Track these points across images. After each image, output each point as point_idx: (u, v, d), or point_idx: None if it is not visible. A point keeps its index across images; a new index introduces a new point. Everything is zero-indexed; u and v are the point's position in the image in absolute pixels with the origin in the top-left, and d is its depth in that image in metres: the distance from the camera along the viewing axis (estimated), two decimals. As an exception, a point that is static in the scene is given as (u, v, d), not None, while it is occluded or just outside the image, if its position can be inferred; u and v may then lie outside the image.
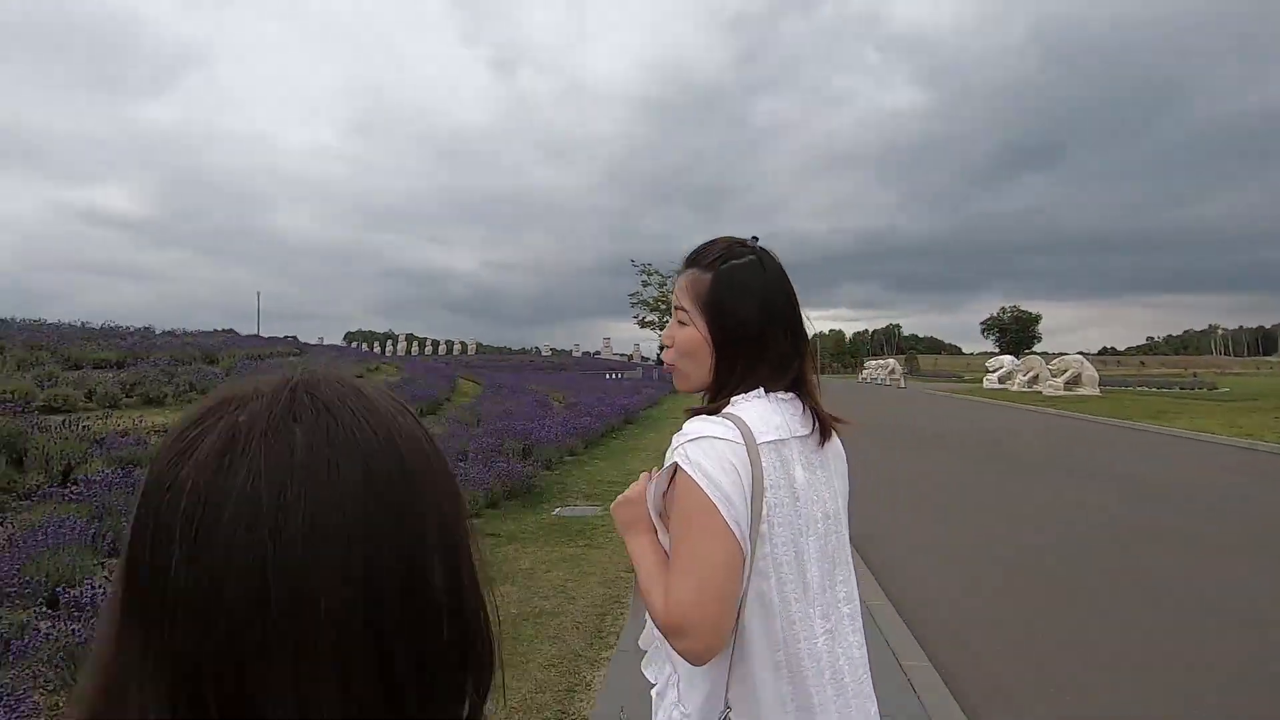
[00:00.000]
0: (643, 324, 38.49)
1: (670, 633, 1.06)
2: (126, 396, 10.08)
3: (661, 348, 1.30)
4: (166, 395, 10.51)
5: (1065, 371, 31.76)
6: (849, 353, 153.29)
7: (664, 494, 1.15)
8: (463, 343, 72.35)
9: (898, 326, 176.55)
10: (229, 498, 0.37)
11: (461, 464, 8.54)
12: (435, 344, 72.35)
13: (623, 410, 17.09)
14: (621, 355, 65.66)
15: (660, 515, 1.18)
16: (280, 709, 0.36)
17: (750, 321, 1.19)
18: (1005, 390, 36.43)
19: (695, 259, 1.23)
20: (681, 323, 1.20)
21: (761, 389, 1.21)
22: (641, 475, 1.29)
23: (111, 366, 11.49)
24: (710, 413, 1.17)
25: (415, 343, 70.25)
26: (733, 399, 1.19)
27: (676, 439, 1.13)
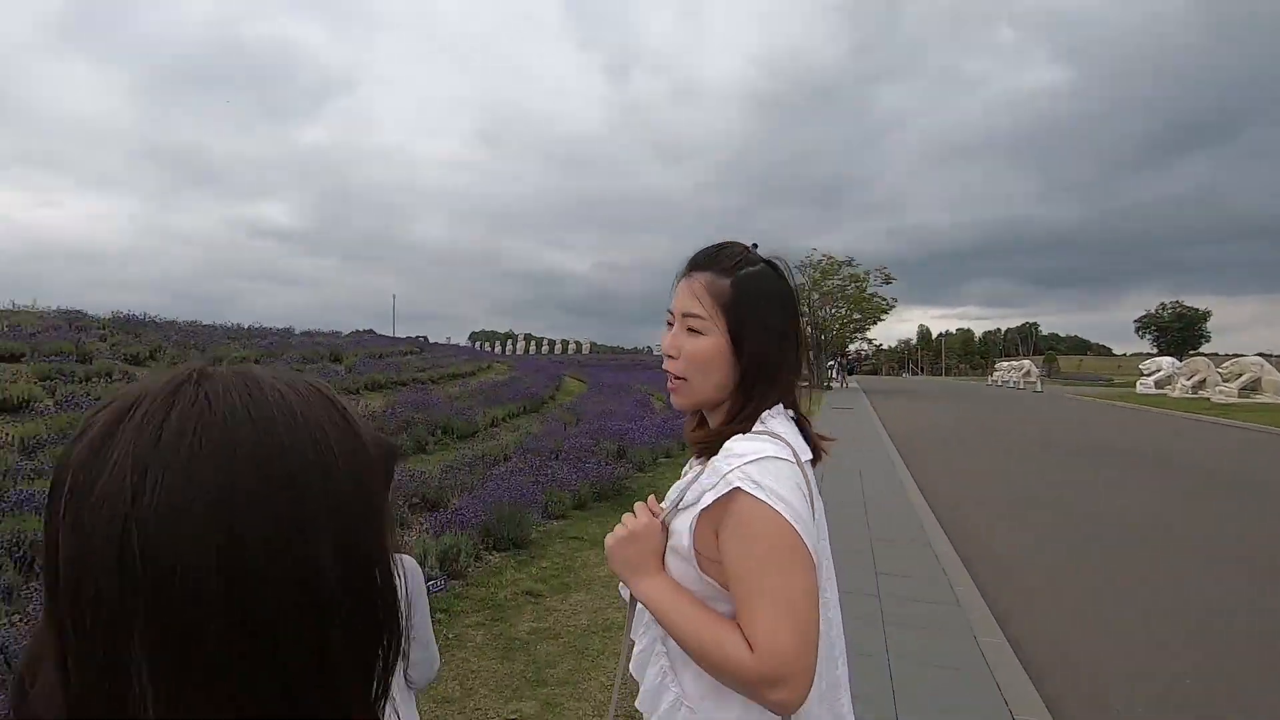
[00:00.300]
0: (752, 323, 37.74)
1: (763, 684, 0.94)
2: (258, 392, 10.90)
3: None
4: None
5: (1240, 375, 27.85)
6: (979, 353, 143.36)
7: (694, 528, 1.04)
8: (577, 342, 74.23)
9: (1035, 325, 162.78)
10: (101, 474, 0.39)
11: (552, 463, 8.55)
12: (551, 343, 74.69)
13: (725, 412, 16.63)
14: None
15: (690, 551, 1.05)
16: (148, 677, 0.38)
17: (775, 331, 1.12)
18: (1163, 396, 32.54)
19: (709, 262, 1.12)
20: (694, 330, 1.09)
21: (781, 405, 1.14)
22: (639, 506, 1.18)
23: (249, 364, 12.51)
24: (739, 431, 1.09)
25: (533, 342, 72.90)
26: (761, 416, 1.11)
27: (726, 461, 1.03)
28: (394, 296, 78.23)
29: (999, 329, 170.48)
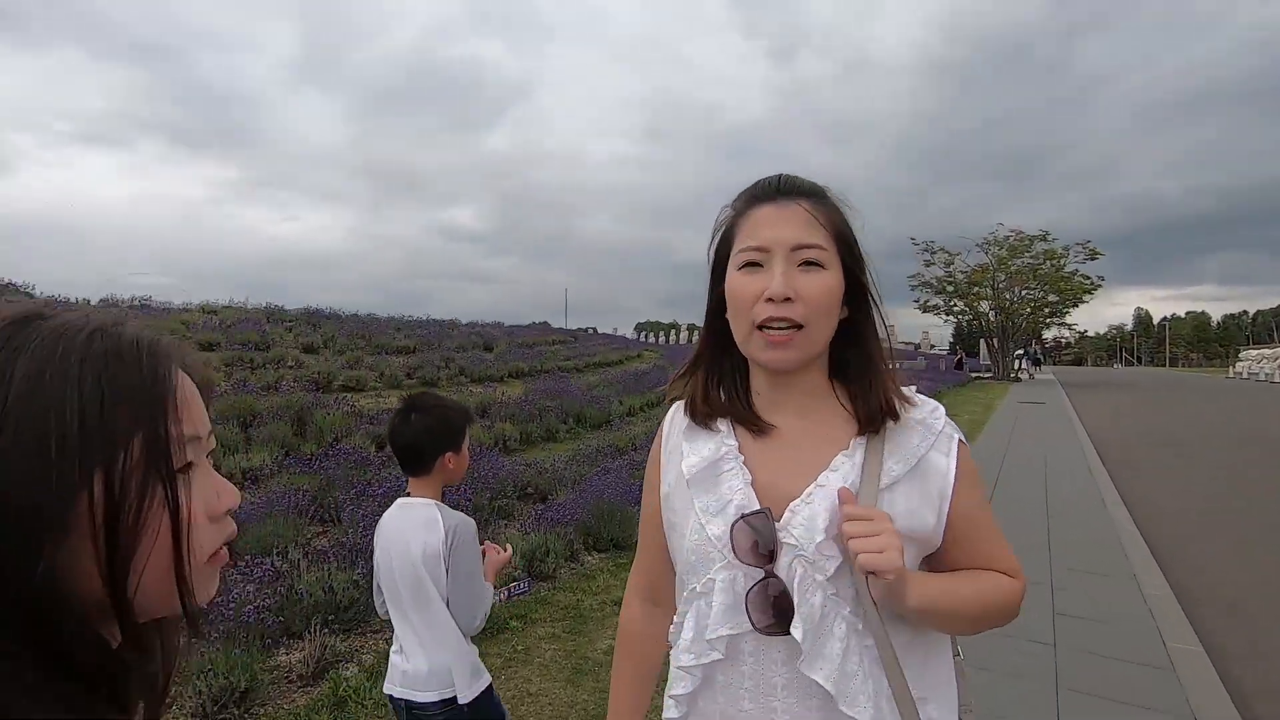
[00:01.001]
0: (924, 308, 34.36)
1: (1022, 600, 0.96)
2: (408, 379, 11.47)
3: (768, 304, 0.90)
4: (440, 378, 11.78)
5: None
6: (1216, 340, 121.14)
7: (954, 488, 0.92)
8: (741, 332, 72.91)
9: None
10: None
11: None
12: (713, 333, 73.92)
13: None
14: (908, 344, 60.64)
15: (941, 520, 0.91)
16: None
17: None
18: None
19: (800, 188, 0.91)
20: (813, 263, 0.87)
21: None
22: (839, 490, 0.88)
23: (408, 353, 13.26)
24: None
25: (696, 331, 72.52)
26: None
27: (934, 415, 0.94)
28: (566, 290, 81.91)
29: (1244, 312, 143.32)
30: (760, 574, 0.86)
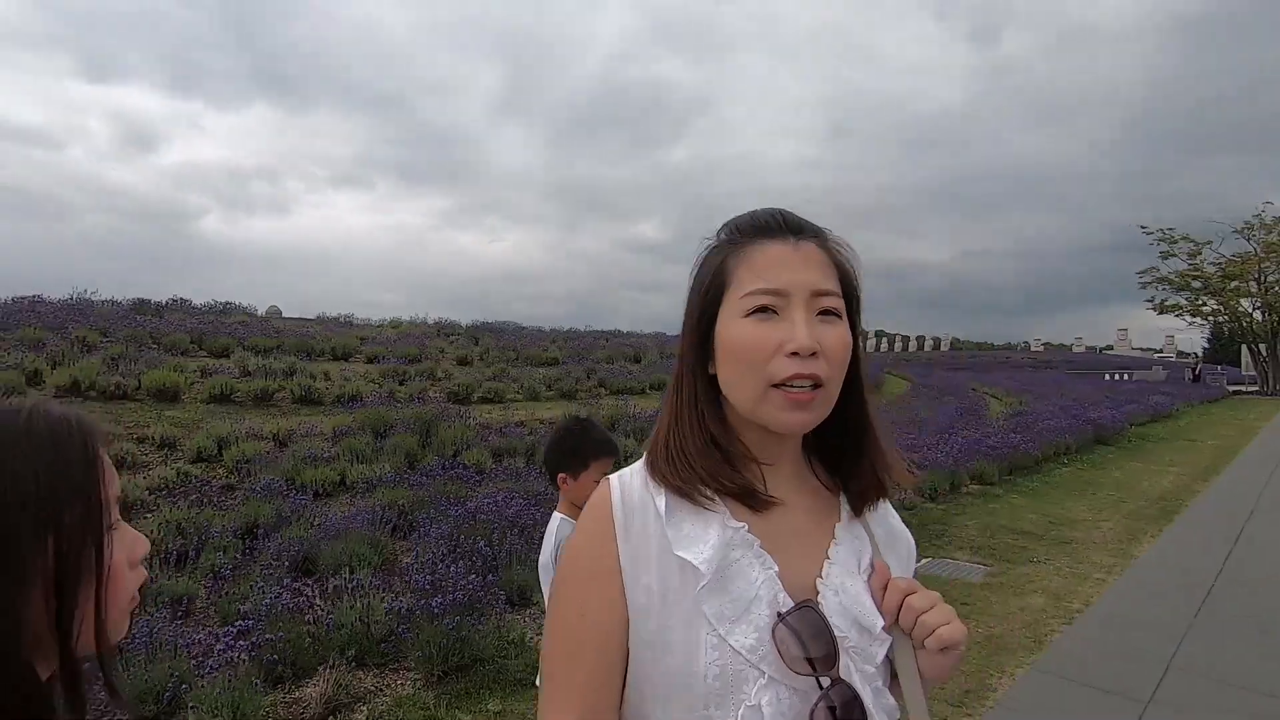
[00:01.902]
0: (1162, 309, 28.79)
1: None
2: (547, 390, 11.68)
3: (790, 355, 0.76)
4: (578, 390, 11.87)
5: None
6: None
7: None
8: (935, 338, 67.66)
9: None
10: None
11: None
12: (905, 340, 69.43)
13: (1091, 425, 12.68)
14: (1147, 350, 52.00)
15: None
16: None
17: None
18: None
19: (806, 227, 0.78)
20: (831, 313, 0.76)
21: None
22: (876, 563, 0.80)
23: (553, 364, 13.58)
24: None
25: (884, 339, 68.63)
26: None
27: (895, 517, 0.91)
28: None
29: None
30: (810, 684, 0.72)
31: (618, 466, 1.64)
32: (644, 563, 0.73)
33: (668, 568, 0.72)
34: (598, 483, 1.74)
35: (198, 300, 14.23)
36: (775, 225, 0.76)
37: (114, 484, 0.63)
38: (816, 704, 0.70)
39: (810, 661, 0.71)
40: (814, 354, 0.72)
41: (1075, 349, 58.00)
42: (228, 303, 14.82)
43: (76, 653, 0.56)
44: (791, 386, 0.72)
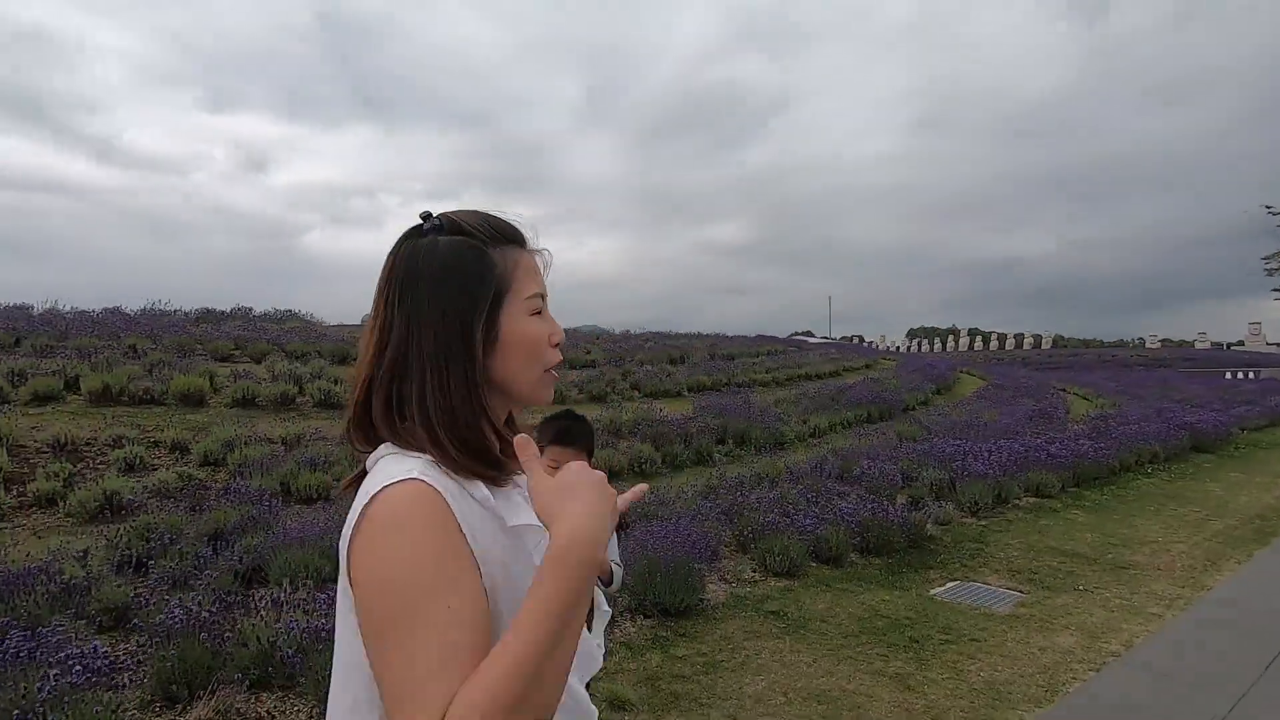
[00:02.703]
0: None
1: None
2: (578, 393, 11.41)
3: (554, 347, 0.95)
4: (609, 392, 11.55)
5: None
6: None
7: None
8: (1035, 336, 63.32)
9: None
10: None
11: (835, 492, 6.49)
12: (1002, 338, 65.41)
13: (1187, 429, 11.15)
14: (1275, 345, 46.65)
15: None
16: None
17: None
18: None
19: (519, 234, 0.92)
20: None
21: None
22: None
23: (589, 366, 13.32)
24: None
25: (979, 337, 64.87)
26: None
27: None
28: (829, 299, 79.07)
29: None
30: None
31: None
32: (490, 546, 0.76)
33: (506, 541, 0.78)
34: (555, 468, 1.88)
35: (260, 309, 14.94)
36: (520, 236, 0.88)
37: None
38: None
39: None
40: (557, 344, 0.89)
41: (1198, 345, 52.68)
42: (287, 310, 15.43)
43: None
44: (553, 369, 0.88)
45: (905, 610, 4.77)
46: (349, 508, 0.79)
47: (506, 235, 0.86)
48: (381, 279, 0.83)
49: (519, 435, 0.78)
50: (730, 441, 9.55)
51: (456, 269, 0.81)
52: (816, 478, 7.40)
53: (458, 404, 0.79)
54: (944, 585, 5.39)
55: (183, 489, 6.61)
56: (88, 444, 7.13)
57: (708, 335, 21.08)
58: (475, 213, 0.86)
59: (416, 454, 0.77)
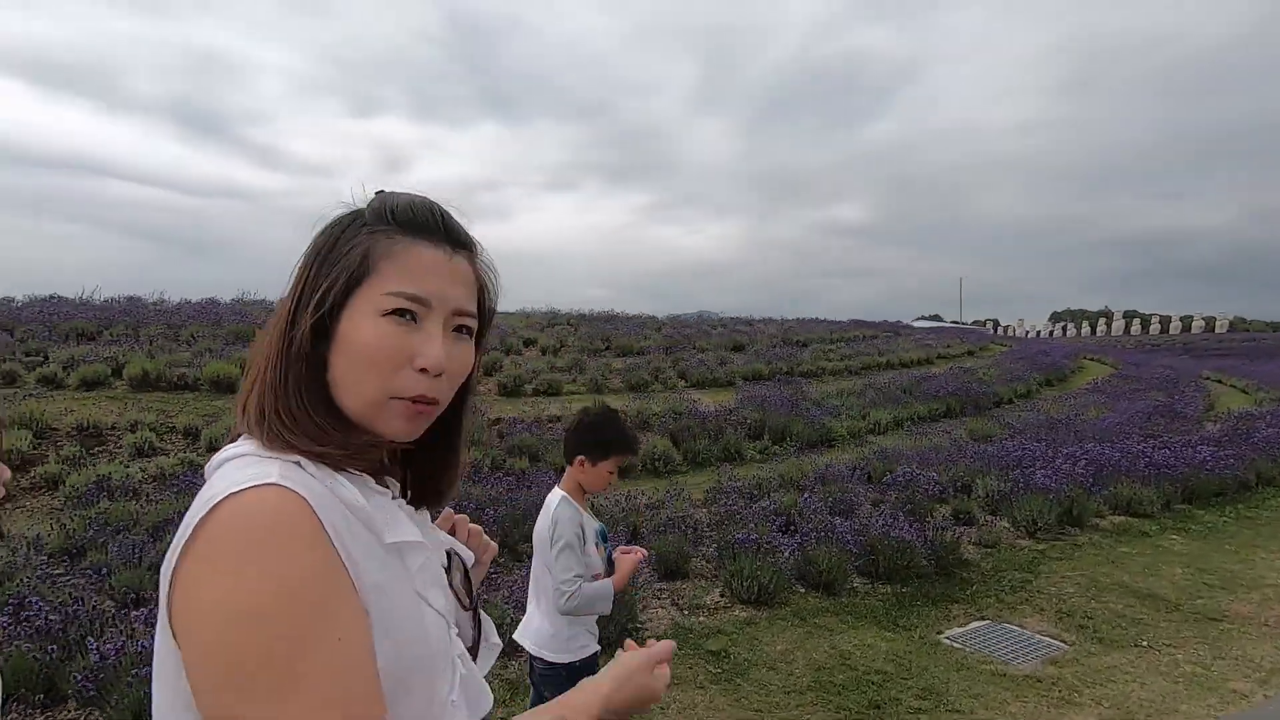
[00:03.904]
0: None
1: None
2: (617, 381, 10.81)
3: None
4: (650, 381, 10.87)
5: None
6: None
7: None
8: (1207, 318, 55.76)
9: None
10: None
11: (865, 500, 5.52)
12: (1165, 321, 58.21)
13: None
14: None
15: None
16: None
17: None
18: None
19: (465, 239, 0.76)
20: (465, 330, 0.74)
21: None
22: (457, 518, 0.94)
23: (638, 354, 12.74)
24: None
25: (1135, 320, 58.02)
26: None
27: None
28: (960, 280, 74.13)
29: None
30: (466, 617, 0.82)
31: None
32: (366, 564, 0.64)
33: (383, 558, 0.67)
34: (611, 474, 2.08)
35: None
36: (435, 228, 0.72)
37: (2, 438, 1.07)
38: (476, 628, 0.82)
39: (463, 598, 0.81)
40: (439, 374, 0.70)
41: None
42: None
43: None
44: (415, 401, 0.70)
45: (887, 659, 3.81)
46: None
47: (409, 221, 0.70)
48: None
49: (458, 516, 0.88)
50: (767, 437, 8.60)
51: (321, 245, 0.71)
52: (843, 484, 6.38)
53: (291, 388, 0.68)
54: (965, 626, 4.34)
55: (187, 474, 6.70)
56: (111, 428, 7.42)
57: (789, 320, 19.79)
58: (406, 195, 0.73)
59: (279, 455, 0.64)
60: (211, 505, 0.58)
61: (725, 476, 6.82)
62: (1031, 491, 5.94)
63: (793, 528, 5.37)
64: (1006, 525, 5.96)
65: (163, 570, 0.59)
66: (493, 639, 0.84)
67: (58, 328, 10.55)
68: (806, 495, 5.81)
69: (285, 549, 0.57)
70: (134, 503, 5.45)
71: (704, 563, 5.02)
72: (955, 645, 4.06)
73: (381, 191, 0.73)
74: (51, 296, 14.51)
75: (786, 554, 4.73)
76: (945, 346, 17.17)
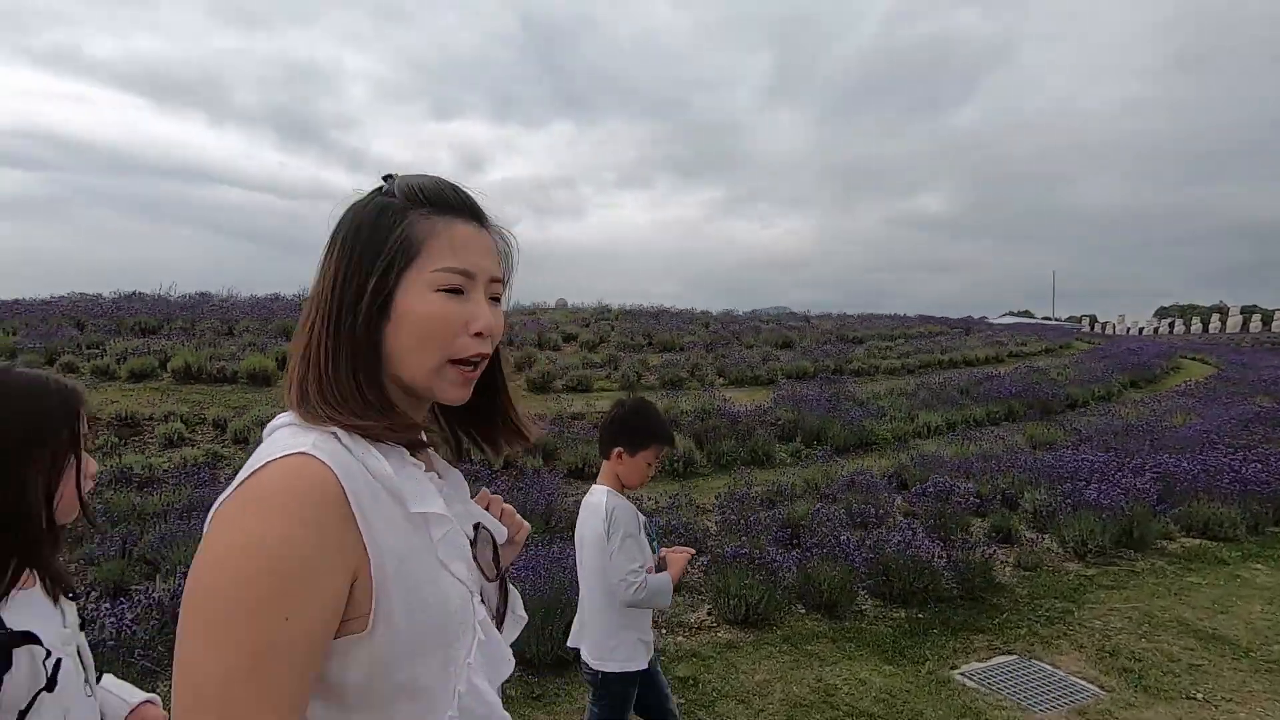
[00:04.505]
0: None
1: None
2: (652, 378, 10.47)
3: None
4: (685, 378, 10.47)
5: None
6: None
7: None
8: (1345, 312, 50.29)
9: None
10: None
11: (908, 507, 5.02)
12: (1293, 316, 52.87)
13: None
14: None
15: None
16: None
17: None
18: None
19: (484, 215, 0.83)
20: (496, 299, 0.81)
21: None
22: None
23: (678, 349, 12.39)
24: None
25: (1256, 315, 52.98)
26: None
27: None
28: (1053, 273, 69.71)
29: None
30: (493, 588, 0.85)
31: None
32: (388, 531, 0.68)
33: (407, 528, 0.71)
34: (650, 466, 2.07)
35: None
36: (462, 205, 0.78)
37: (85, 423, 1.05)
38: (501, 600, 0.85)
39: (488, 569, 0.83)
40: (489, 336, 0.77)
41: None
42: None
43: (56, 516, 0.99)
44: (467, 364, 0.76)
45: (878, 698, 3.35)
46: None
47: (441, 201, 0.76)
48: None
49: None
50: (799, 439, 8.07)
51: (365, 226, 0.75)
52: (871, 492, 5.84)
53: (344, 364, 0.72)
54: (986, 660, 3.82)
55: (211, 465, 6.84)
56: (149, 419, 7.67)
57: (850, 316, 18.87)
58: (428, 176, 0.78)
59: (317, 427, 0.69)
60: (253, 470, 0.65)
61: (744, 481, 6.39)
62: (1083, 508, 5.24)
63: (798, 541, 4.92)
64: (1054, 545, 5.29)
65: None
66: (518, 611, 0.87)
67: (124, 322, 11.13)
68: (820, 505, 5.33)
69: (281, 517, 0.61)
70: (137, 494, 5.53)
71: (699, 575, 4.65)
72: (969, 683, 3.55)
73: (390, 176, 0.77)
74: (133, 293, 15.44)
75: (785, 570, 4.30)
76: (1020, 344, 15.90)
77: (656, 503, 5.81)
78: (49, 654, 0.95)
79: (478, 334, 0.74)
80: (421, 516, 0.71)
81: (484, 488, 0.95)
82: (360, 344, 0.72)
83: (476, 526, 0.83)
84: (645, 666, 2.06)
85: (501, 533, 0.87)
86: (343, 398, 0.70)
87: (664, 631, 4.02)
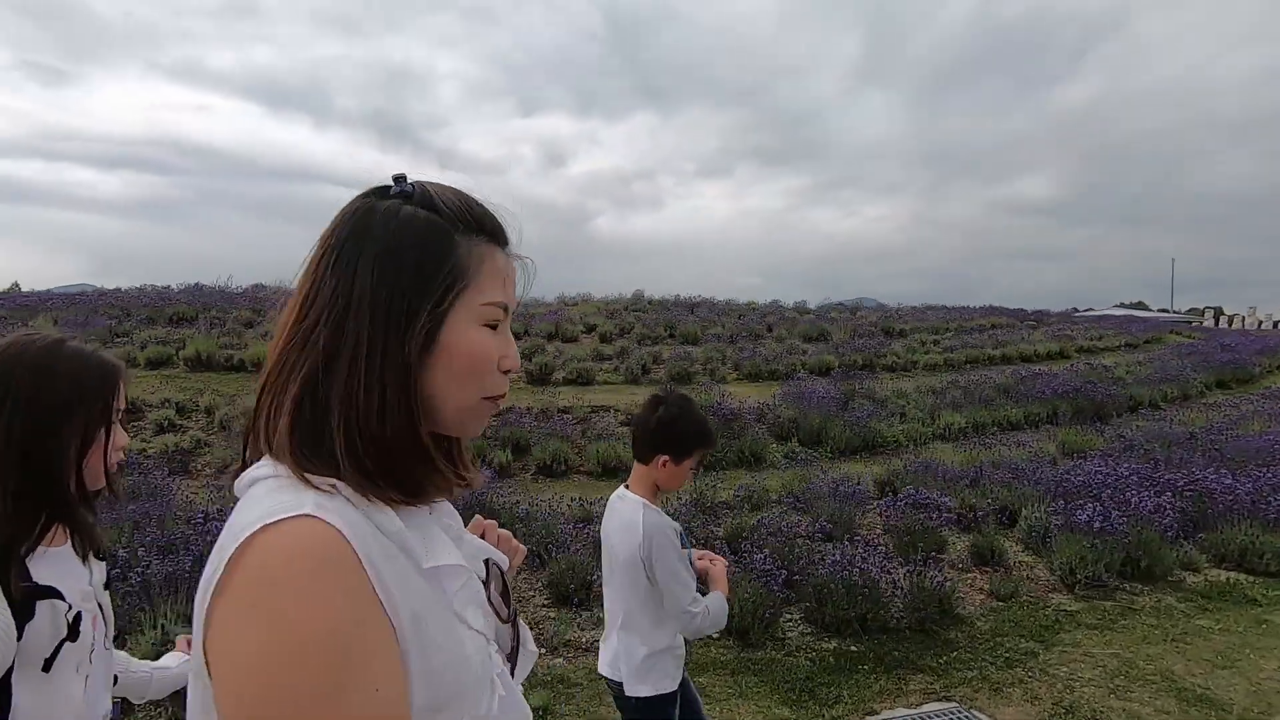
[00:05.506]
0: None
1: None
2: (659, 372, 10.04)
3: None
4: (696, 372, 9.97)
5: None
6: None
7: None
8: None
9: None
10: None
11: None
12: None
13: None
14: None
15: None
16: None
17: None
18: None
19: (504, 233, 0.75)
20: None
21: None
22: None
23: (693, 342, 12.00)
24: None
25: None
26: None
27: None
28: (1173, 261, 64.12)
29: None
30: (506, 629, 0.80)
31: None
32: (403, 593, 0.61)
33: (421, 586, 0.64)
34: (694, 471, 1.92)
35: (552, 293, 16.27)
36: (498, 230, 0.72)
37: (122, 398, 1.13)
38: (513, 636, 0.80)
39: (501, 609, 0.78)
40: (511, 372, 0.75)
41: None
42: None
43: (86, 482, 1.07)
44: (494, 400, 0.72)
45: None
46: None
47: (482, 225, 0.70)
48: (322, 235, 0.67)
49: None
50: (796, 440, 7.46)
51: (412, 243, 0.66)
52: (840, 501, 5.25)
53: (390, 402, 0.63)
54: (916, 707, 3.30)
55: (196, 453, 6.99)
56: (149, 405, 7.93)
57: (904, 308, 17.71)
58: (454, 189, 0.71)
59: (312, 476, 0.60)
60: (241, 539, 0.55)
61: (712, 486, 5.90)
62: (1075, 531, 4.48)
63: (737, 553, 4.43)
64: (1045, 573, 4.56)
65: (196, 604, 0.58)
66: (529, 646, 0.84)
67: (162, 311, 11.69)
68: (765, 516, 4.80)
69: (321, 594, 0.54)
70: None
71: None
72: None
73: (401, 177, 0.69)
74: (195, 284, 16.31)
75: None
76: (1094, 338, 14.37)
77: (591, 509, 5.43)
78: (70, 607, 1.04)
79: (507, 370, 0.71)
80: (435, 571, 0.66)
81: (476, 514, 0.91)
82: (412, 381, 0.64)
83: (486, 563, 0.78)
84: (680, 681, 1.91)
85: (505, 562, 0.83)
86: (386, 448, 0.62)
87: (544, 651, 3.66)
